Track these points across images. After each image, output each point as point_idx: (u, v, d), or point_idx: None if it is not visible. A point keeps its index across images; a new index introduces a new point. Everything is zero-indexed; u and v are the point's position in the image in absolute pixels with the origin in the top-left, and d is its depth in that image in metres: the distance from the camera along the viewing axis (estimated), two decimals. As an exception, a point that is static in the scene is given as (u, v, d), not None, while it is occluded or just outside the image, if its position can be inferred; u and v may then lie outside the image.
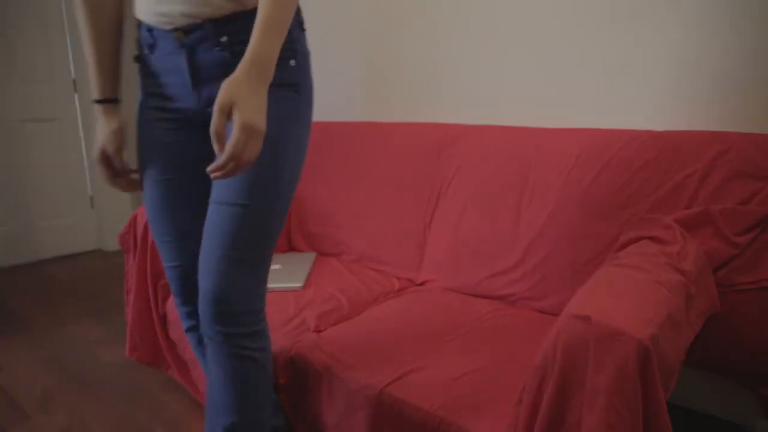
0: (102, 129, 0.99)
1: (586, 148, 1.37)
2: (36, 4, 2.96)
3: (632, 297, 0.83)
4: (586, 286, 0.89)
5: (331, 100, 2.18)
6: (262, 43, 0.80)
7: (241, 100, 0.77)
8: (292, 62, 0.94)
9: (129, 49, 2.41)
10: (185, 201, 1.03)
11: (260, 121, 0.79)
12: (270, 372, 1.01)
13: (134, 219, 1.66)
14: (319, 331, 1.29)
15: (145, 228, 1.61)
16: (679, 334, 0.88)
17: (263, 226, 0.92)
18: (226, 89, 0.77)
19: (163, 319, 1.62)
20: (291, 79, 0.94)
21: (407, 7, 1.85)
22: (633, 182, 1.28)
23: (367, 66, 2.02)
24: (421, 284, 1.61)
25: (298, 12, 0.96)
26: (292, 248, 1.98)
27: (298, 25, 0.96)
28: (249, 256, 0.91)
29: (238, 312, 0.93)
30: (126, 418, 1.58)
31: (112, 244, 3.30)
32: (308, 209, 1.96)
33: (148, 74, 1.00)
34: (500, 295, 1.43)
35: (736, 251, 1.11)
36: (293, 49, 0.94)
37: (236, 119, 0.77)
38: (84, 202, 3.30)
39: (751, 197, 1.13)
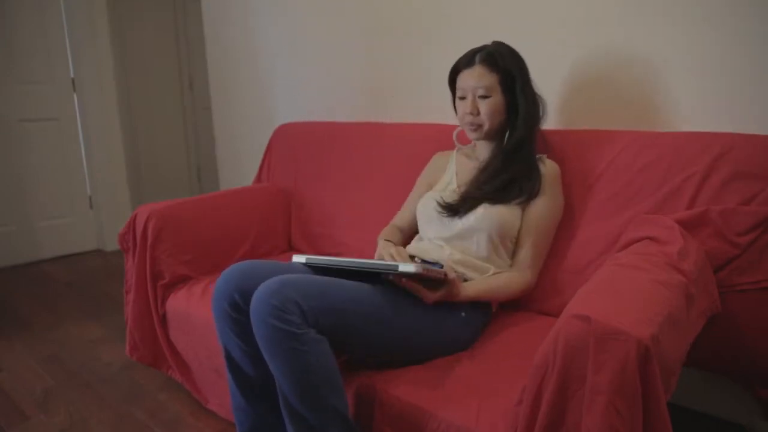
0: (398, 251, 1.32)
1: (586, 148, 1.37)
2: (35, 4, 2.96)
3: (632, 297, 0.83)
4: (586, 286, 0.89)
5: (333, 101, 2.18)
6: (468, 291, 1.16)
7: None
8: (463, 314, 1.19)
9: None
10: None
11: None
12: None
13: (134, 219, 1.65)
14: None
15: (145, 228, 1.61)
16: (679, 334, 0.88)
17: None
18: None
19: (163, 318, 1.62)
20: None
21: (408, 9, 1.85)
22: (634, 183, 1.27)
23: (368, 67, 2.02)
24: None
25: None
26: (291, 248, 1.98)
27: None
28: None
29: None
30: (126, 418, 1.58)
31: (112, 244, 3.30)
32: (308, 209, 1.96)
33: None
34: (500, 295, 1.43)
35: (736, 251, 1.11)
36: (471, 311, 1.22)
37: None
38: (83, 202, 3.29)
39: (752, 198, 1.13)
